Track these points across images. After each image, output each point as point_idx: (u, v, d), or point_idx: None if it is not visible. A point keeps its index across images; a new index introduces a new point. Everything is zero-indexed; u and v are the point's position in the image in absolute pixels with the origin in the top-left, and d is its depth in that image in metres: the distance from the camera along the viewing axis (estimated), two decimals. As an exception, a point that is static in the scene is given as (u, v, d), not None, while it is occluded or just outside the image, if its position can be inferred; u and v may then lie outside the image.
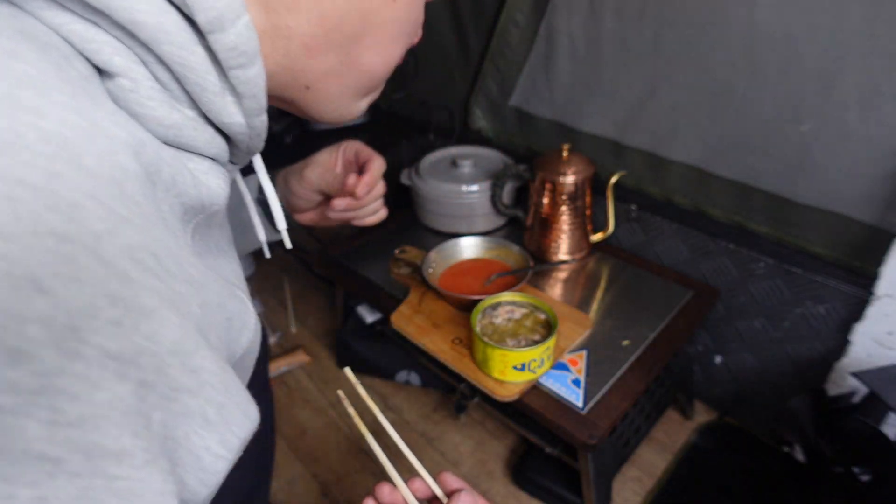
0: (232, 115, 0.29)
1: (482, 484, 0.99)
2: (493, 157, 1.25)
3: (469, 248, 1.04)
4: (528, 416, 0.82)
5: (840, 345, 0.85)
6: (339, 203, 0.57)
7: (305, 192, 0.59)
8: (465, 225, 1.17)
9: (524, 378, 0.79)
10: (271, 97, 0.33)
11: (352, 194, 0.56)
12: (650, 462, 1.02)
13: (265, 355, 0.78)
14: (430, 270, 0.98)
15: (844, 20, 0.73)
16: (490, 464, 1.03)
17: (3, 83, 0.20)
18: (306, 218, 0.63)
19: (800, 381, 0.94)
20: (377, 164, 0.58)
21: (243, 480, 0.71)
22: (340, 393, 0.50)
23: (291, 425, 1.13)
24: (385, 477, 0.44)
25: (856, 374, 0.72)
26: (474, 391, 0.85)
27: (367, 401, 0.49)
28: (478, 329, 0.80)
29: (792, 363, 0.94)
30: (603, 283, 1.01)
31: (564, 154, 0.99)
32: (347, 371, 0.50)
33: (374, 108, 1.46)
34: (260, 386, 0.76)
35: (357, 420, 0.47)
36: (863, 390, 0.74)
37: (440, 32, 1.29)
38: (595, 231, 1.07)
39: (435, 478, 0.45)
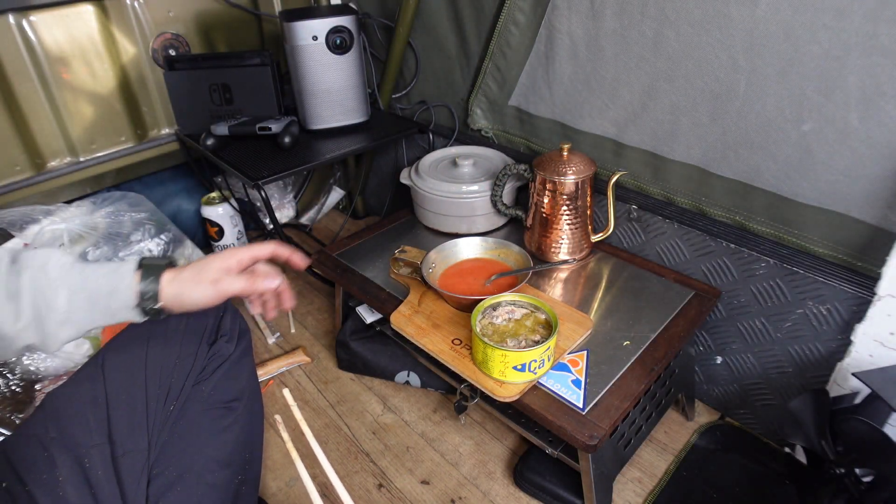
0: None
1: (482, 485, 0.99)
2: (493, 157, 1.25)
3: (469, 248, 1.04)
4: (529, 417, 0.82)
5: (842, 345, 0.85)
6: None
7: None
8: (465, 225, 1.17)
9: (524, 378, 0.79)
10: None
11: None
12: (651, 463, 1.02)
13: (248, 353, 0.78)
14: (430, 270, 0.98)
15: (845, 19, 0.73)
16: (490, 465, 1.03)
17: None
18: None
19: (801, 381, 0.94)
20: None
21: (231, 477, 0.71)
22: (278, 417, 0.50)
23: (291, 426, 1.13)
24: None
25: (858, 375, 0.72)
26: (474, 392, 0.85)
27: (301, 424, 0.50)
28: (478, 329, 0.80)
29: (793, 364, 0.94)
30: (603, 284, 1.01)
31: (564, 154, 0.99)
32: (286, 392, 0.52)
33: (374, 108, 1.46)
34: (246, 383, 0.76)
35: (290, 446, 0.47)
36: (865, 391, 0.74)
37: (440, 32, 1.28)
38: (595, 231, 1.07)
39: None
